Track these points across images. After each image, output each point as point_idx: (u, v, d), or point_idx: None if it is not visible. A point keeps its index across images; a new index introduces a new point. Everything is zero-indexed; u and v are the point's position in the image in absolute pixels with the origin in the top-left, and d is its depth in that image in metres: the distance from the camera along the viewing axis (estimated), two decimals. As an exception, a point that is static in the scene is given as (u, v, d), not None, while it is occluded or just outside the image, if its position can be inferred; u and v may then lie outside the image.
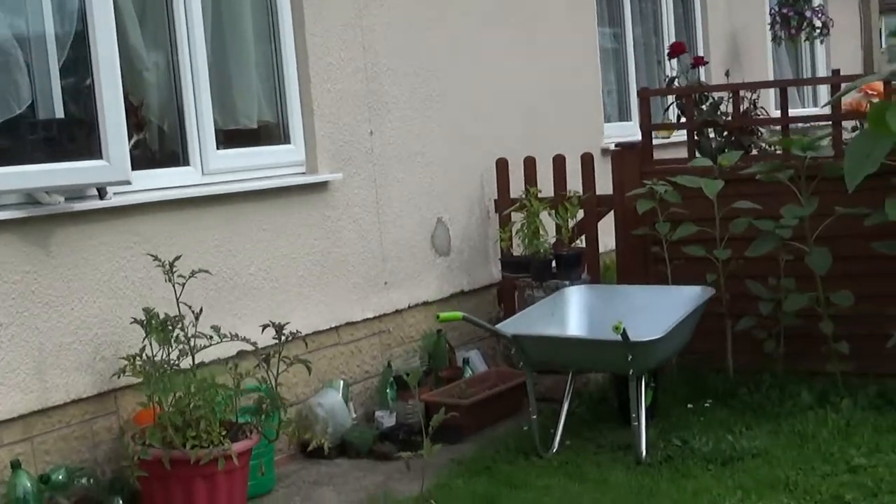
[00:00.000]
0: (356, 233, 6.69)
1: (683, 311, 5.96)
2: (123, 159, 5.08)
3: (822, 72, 14.41)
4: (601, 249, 7.61)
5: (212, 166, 5.92)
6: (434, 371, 6.98)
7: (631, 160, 7.22)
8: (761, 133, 7.84)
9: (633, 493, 5.24)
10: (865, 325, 6.46)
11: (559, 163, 7.60)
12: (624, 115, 10.30)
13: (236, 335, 5.21)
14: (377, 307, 6.84)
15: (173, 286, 5.17)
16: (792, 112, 7.32)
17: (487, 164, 7.74)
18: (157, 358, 5.02)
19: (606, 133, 9.54)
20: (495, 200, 7.78)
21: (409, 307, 7.11)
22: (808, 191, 6.40)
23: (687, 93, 7.68)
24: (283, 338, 5.27)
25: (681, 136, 8.03)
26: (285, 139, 6.44)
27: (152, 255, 5.21)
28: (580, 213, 7.44)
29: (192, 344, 5.11)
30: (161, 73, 5.85)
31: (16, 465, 4.72)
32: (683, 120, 7.77)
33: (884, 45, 16.20)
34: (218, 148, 5.99)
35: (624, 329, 5.43)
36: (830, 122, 7.03)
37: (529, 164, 7.65)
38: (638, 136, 7.84)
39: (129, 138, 5.31)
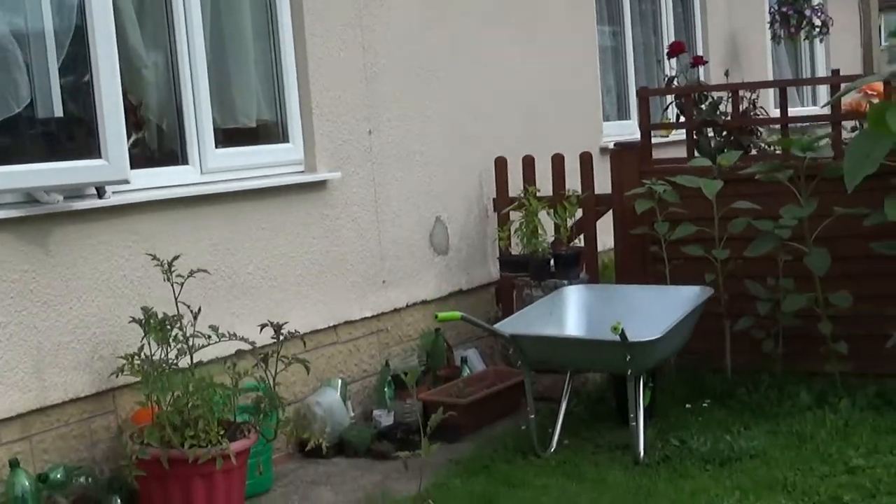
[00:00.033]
0: (355, 232, 6.69)
1: (682, 312, 5.96)
2: (122, 158, 5.07)
3: (821, 70, 14.41)
4: (600, 248, 7.61)
5: (210, 165, 5.92)
6: (432, 370, 6.99)
7: (630, 160, 7.21)
8: (760, 133, 7.83)
9: (630, 493, 5.24)
10: (864, 326, 6.46)
11: (558, 162, 7.61)
12: (623, 114, 10.30)
13: (234, 335, 5.20)
14: (375, 306, 6.84)
15: (172, 286, 5.16)
16: (791, 111, 7.31)
17: (486, 163, 7.74)
18: (156, 357, 5.02)
19: (605, 132, 9.54)
20: (494, 199, 7.78)
21: (407, 306, 7.11)
22: (807, 191, 6.39)
23: (686, 92, 7.68)
24: (281, 337, 5.26)
25: (680, 134, 8.03)
26: (284, 138, 6.43)
27: (151, 255, 5.21)
28: (579, 213, 7.44)
29: (190, 343, 5.10)
30: (160, 71, 5.84)
31: (14, 464, 4.72)
32: (683, 119, 7.76)
33: (884, 44, 16.22)
34: (217, 147, 5.98)
35: (622, 329, 5.43)
36: (830, 123, 7.03)
37: (528, 164, 7.65)
38: (637, 136, 7.84)
39: (128, 137, 5.29)
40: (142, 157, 5.71)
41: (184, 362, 5.11)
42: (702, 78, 9.66)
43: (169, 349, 5.06)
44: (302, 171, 6.44)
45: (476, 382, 6.87)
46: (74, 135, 5.26)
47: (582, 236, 7.54)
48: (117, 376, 5.05)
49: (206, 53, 5.94)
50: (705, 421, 6.16)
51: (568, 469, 5.64)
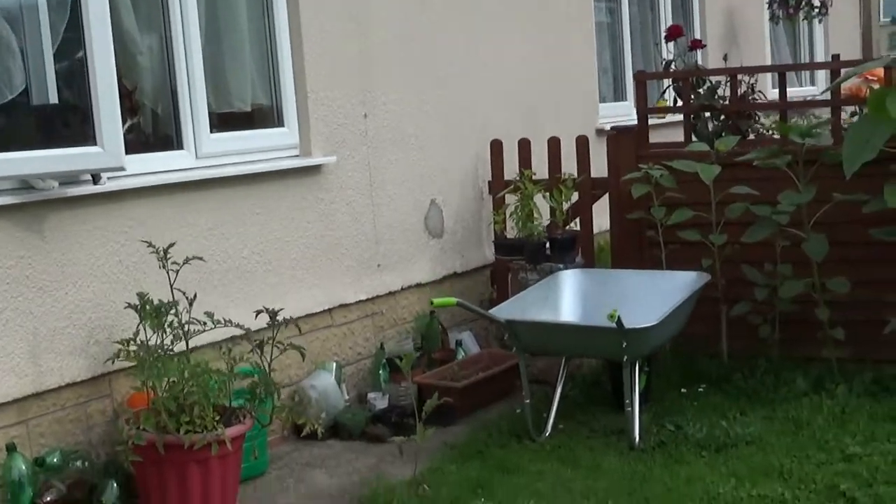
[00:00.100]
0: (350, 215, 6.67)
1: (678, 298, 5.95)
2: (117, 145, 5.05)
3: (820, 51, 14.38)
4: (596, 230, 7.61)
5: (205, 150, 5.89)
6: (427, 353, 6.98)
7: (627, 144, 7.20)
8: (759, 117, 7.80)
9: (626, 479, 5.24)
10: (862, 312, 6.46)
11: (554, 145, 7.59)
12: (619, 96, 10.27)
13: (230, 321, 5.18)
14: (370, 289, 6.83)
15: (167, 273, 5.15)
16: (790, 91, 7.28)
17: (482, 146, 7.72)
18: (151, 343, 5.01)
19: (601, 113, 9.52)
20: (489, 182, 7.76)
21: (402, 289, 7.10)
22: (806, 177, 6.37)
23: (684, 76, 7.65)
24: (276, 324, 5.25)
25: (677, 116, 8.00)
26: (279, 122, 6.41)
27: (146, 242, 5.19)
28: (575, 196, 7.42)
29: (185, 329, 5.10)
30: (155, 56, 5.81)
31: (11, 448, 4.73)
32: (680, 103, 7.73)
33: (883, 20, 16.19)
34: (212, 131, 5.95)
35: (619, 316, 5.42)
36: (830, 108, 7.01)
37: (524, 146, 7.64)
38: (633, 118, 7.82)
39: (123, 122, 5.27)
40: (137, 142, 5.69)
41: (179, 347, 5.10)
42: (700, 61, 9.62)
43: (164, 335, 5.05)
44: (297, 156, 6.41)
45: (471, 365, 6.87)
46: (69, 121, 5.25)
47: (578, 220, 7.53)
48: (113, 362, 5.05)
49: (200, 37, 5.90)
50: (701, 406, 6.16)
51: (563, 454, 5.65)
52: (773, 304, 6.51)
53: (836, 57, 7.38)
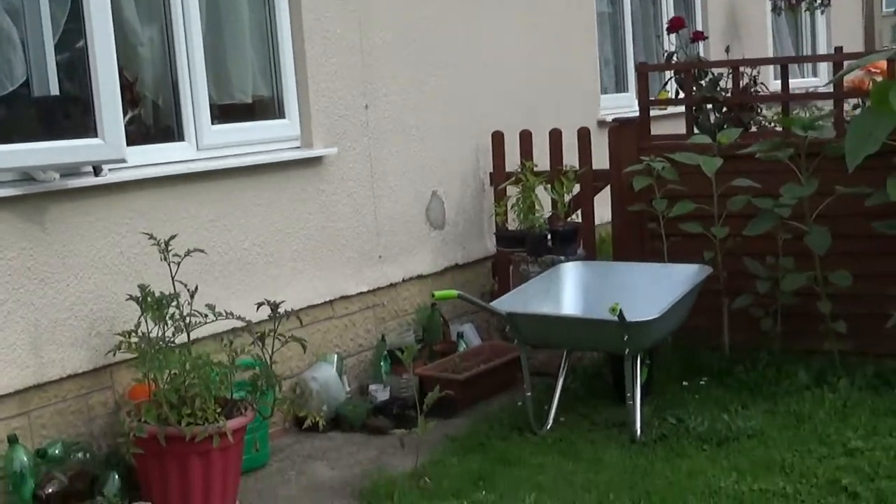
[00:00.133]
0: (351, 207, 6.66)
1: (680, 291, 5.94)
2: (119, 137, 5.03)
3: (822, 42, 14.34)
4: (597, 222, 7.60)
5: (206, 141, 5.88)
6: (428, 345, 6.98)
7: (628, 136, 7.18)
8: (761, 109, 7.78)
9: (627, 473, 5.24)
10: (865, 305, 6.44)
11: (555, 137, 7.57)
12: (621, 87, 10.25)
13: (231, 313, 5.18)
14: (371, 281, 6.82)
15: (168, 265, 5.14)
16: (792, 83, 7.26)
17: (483, 138, 7.70)
18: (153, 335, 5.00)
19: (603, 105, 9.50)
20: (491, 174, 7.75)
21: (403, 281, 7.09)
22: (808, 170, 6.36)
23: (686, 68, 7.63)
24: (277, 316, 5.24)
25: (678, 107, 7.99)
26: (280, 114, 6.40)
27: (147, 234, 5.18)
28: (576, 188, 7.40)
29: (186, 321, 5.09)
30: (156, 48, 5.79)
31: (13, 440, 4.73)
32: (682, 95, 7.72)
33: (885, 10, 16.14)
34: (213, 123, 5.94)
35: (620, 310, 5.41)
36: (832, 100, 6.99)
37: (525, 138, 7.62)
38: (635, 109, 7.80)
39: (124, 114, 5.27)
40: (138, 133, 5.67)
41: (181, 339, 5.09)
42: (701, 53, 9.60)
43: (166, 327, 5.04)
44: (298, 147, 6.40)
45: (472, 357, 6.87)
46: (71, 113, 5.23)
47: (579, 212, 7.51)
48: (114, 354, 5.04)
49: (201, 29, 5.88)
50: (702, 399, 6.15)
51: (564, 447, 5.64)
52: (775, 297, 6.50)
53: (838, 49, 7.36)
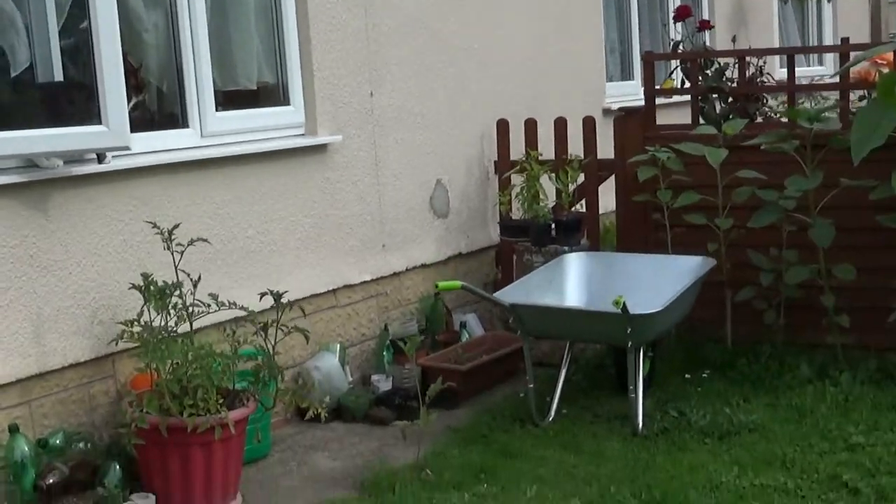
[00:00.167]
0: (355, 195, 6.64)
1: (684, 283, 5.92)
2: (123, 124, 5.01)
3: (828, 31, 14.30)
4: (601, 210, 7.58)
5: (211, 128, 5.85)
6: (431, 334, 6.96)
7: (634, 125, 7.16)
8: (766, 100, 7.75)
9: (629, 466, 5.23)
10: (868, 299, 6.43)
11: (560, 126, 7.54)
12: (626, 75, 10.21)
13: (234, 304, 5.17)
14: (375, 270, 6.81)
15: (172, 254, 5.12)
16: (798, 71, 7.24)
17: (488, 126, 7.68)
18: (155, 324, 4.99)
19: (608, 93, 9.47)
20: (495, 162, 7.73)
21: (406, 270, 7.08)
22: (813, 162, 6.33)
23: (692, 58, 7.59)
24: (280, 307, 5.22)
25: (684, 96, 7.96)
26: (285, 100, 6.37)
27: (151, 223, 5.17)
28: (581, 177, 7.38)
29: (189, 311, 5.08)
30: (160, 33, 5.77)
31: (14, 430, 4.71)
32: (688, 85, 7.69)
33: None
34: (217, 110, 5.92)
35: (624, 303, 5.40)
36: (838, 92, 6.97)
37: (531, 127, 7.59)
38: (640, 97, 7.78)
39: (129, 100, 5.23)
40: (142, 119, 5.66)
41: (183, 328, 5.08)
42: (708, 42, 9.56)
43: (168, 317, 5.03)
44: (303, 135, 6.38)
45: (475, 347, 6.86)
46: (75, 99, 5.21)
47: (584, 202, 7.49)
48: (116, 343, 5.03)
49: (206, 15, 5.85)
50: (704, 392, 6.15)
51: (566, 440, 5.64)
52: (779, 290, 6.48)
53: (845, 40, 7.32)
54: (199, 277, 5.21)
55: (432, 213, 7.29)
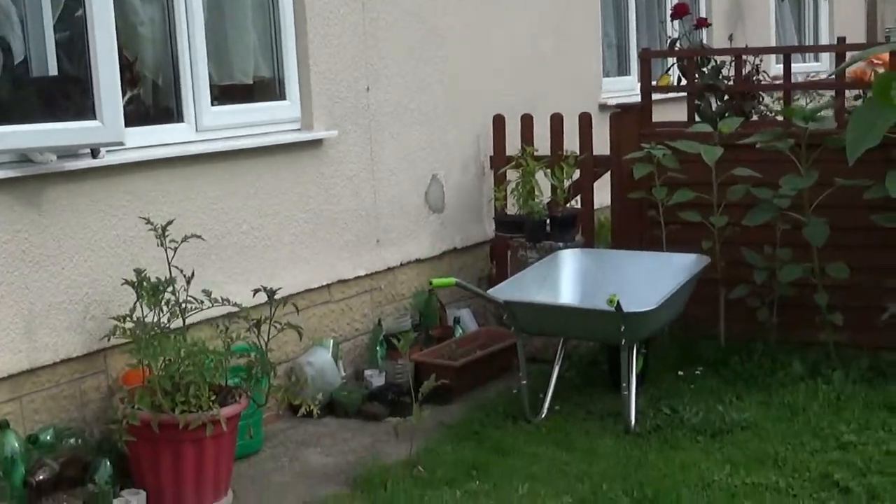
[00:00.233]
0: (350, 190, 6.63)
1: (678, 281, 5.92)
2: (117, 120, 4.98)
3: (824, 28, 14.30)
4: (596, 206, 7.56)
5: (206, 123, 5.84)
6: (425, 329, 6.96)
7: (630, 122, 7.16)
8: (762, 98, 7.75)
9: (621, 464, 5.24)
10: (861, 297, 6.44)
11: (556, 122, 7.53)
12: (623, 70, 10.20)
13: (227, 300, 5.16)
14: (369, 265, 6.80)
15: (165, 251, 5.12)
16: (794, 67, 7.22)
17: (484, 121, 7.66)
18: (147, 320, 4.98)
19: (605, 88, 9.46)
20: (491, 158, 7.72)
21: (401, 265, 7.07)
22: (808, 161, 6.33)
23: (689, 56, 7.59)
24: (274, 303, 5.22)
25: (680, 92, 7.96)
26: (281, 95, 6.35)
27: (144, 218, 5.16)
28: (576, 174, 7.37)
29: (182, 307, 5.07)
30: (156, 27, 5.75)
31: (4, 425, 4.69)
32: (684, 82, 7.68)
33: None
34: (212, 104, 5.90)
35: (618, 301, 5.40)
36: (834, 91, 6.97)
37: (526, 122, 7.58)
38: (637, 93, 7.77)
39: (123, 94, 5.22)
40: (137, 114, 5.63)
41: (176, 324, 5.08)
42: (704, 40, 9.55)
43: (161, 313, 5.02)
44: (298, 129, 6.36)
45: (468, 343, 6.86)
46: (69, 93, 5.18)
47: (579, 198, 7.49)
48: (108, 339, 5.02)
49: (202, 8, 5.83)
50: (697, 389, 6.15)
51: (558, 437, 5.64)
52: (772, 288, 6.49)
53: (841, 40, 7.32)
54: (193, 274, 5.20)
55: (427, 207, 7.29)
